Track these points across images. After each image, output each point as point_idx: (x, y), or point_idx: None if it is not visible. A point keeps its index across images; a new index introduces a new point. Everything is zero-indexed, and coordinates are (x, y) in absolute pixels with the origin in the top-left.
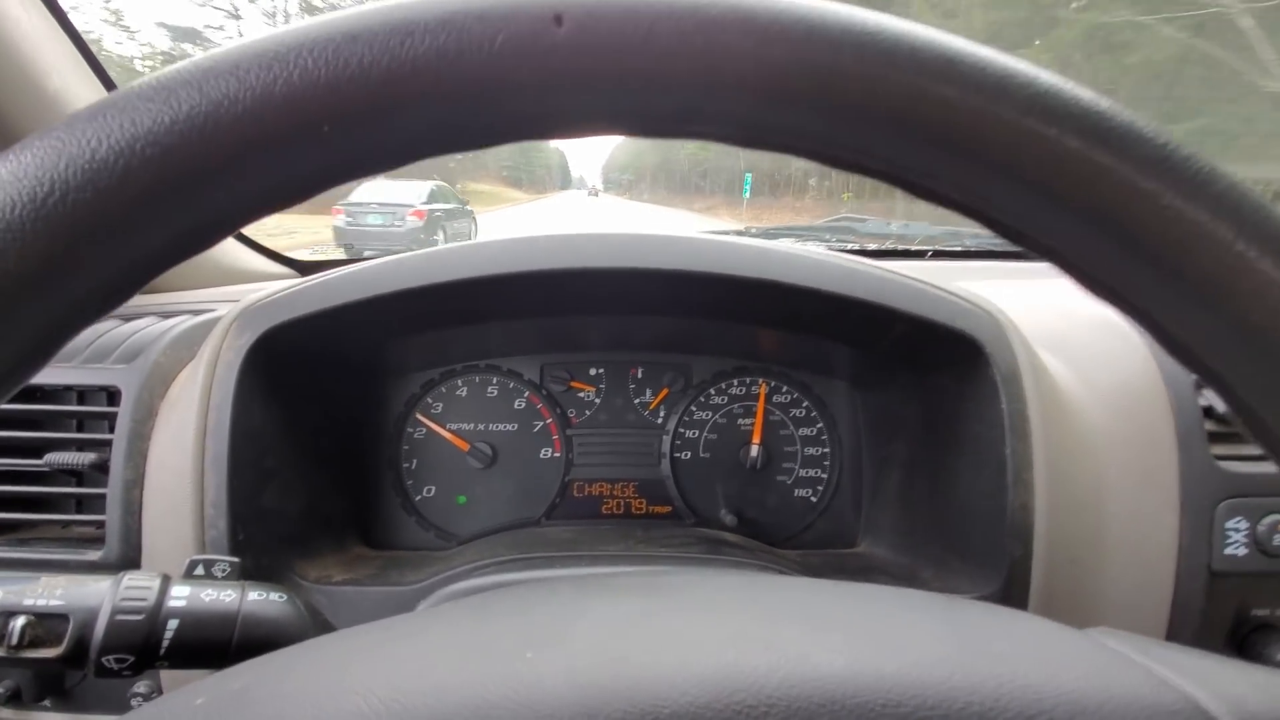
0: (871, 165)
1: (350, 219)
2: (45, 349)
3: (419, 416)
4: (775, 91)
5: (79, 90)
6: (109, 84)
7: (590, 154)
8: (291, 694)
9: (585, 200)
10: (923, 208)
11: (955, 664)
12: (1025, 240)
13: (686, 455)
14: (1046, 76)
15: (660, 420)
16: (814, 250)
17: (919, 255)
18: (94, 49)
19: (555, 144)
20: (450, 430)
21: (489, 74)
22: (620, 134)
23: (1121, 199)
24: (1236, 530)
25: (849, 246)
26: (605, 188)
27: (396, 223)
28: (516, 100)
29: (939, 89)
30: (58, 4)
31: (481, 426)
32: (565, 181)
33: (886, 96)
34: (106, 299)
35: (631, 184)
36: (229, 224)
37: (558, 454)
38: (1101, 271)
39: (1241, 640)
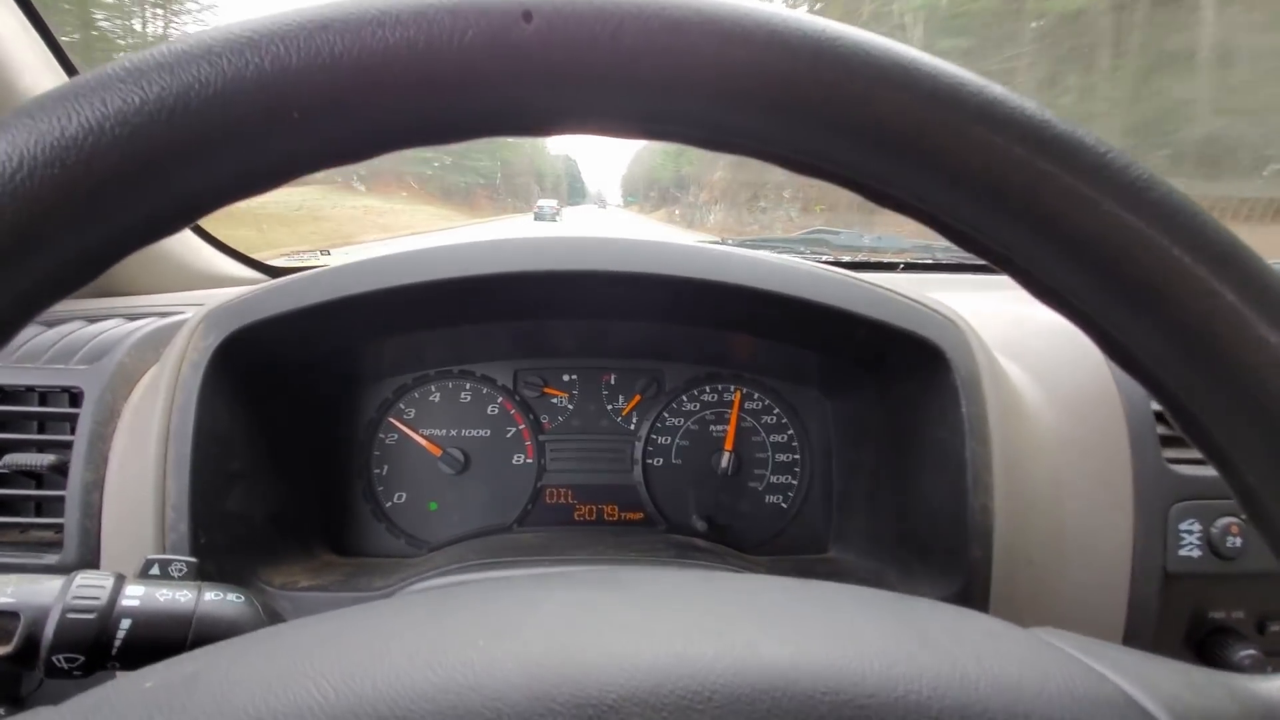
0: (829, 169)
1: (539, 209)
2: (9, 324)
3: (391, 421)
4: (736, 93)
5: (49, 87)
6: None
7: (607, 168)
8: (242, 679)
9: (593, 215)
10: (894, 221)
11: (896, 655)
12: (975, 245)
13: (659, 461)
14: (995, 87)
15: (633, 426)
16: (781, 258)
17: (891, 268)
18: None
19: (564, 153)
20: (423, 436)
21: (457, 67)
22: (585, 133)
23: (1063, 205)
24: (1190, 533)
25: (823, 258)
26: (626, 202)
27: (552, 210)
28: (484, 95)
29: (893, 95)
30: (31, 4)
31: (454, 432)
32: (578, 196)
33: (842, 101)
34: (71, 277)
35: (665, 200)
36: (196, 209)
37: (530, 460)
38: (1046, 276)
39: (1199, 643)
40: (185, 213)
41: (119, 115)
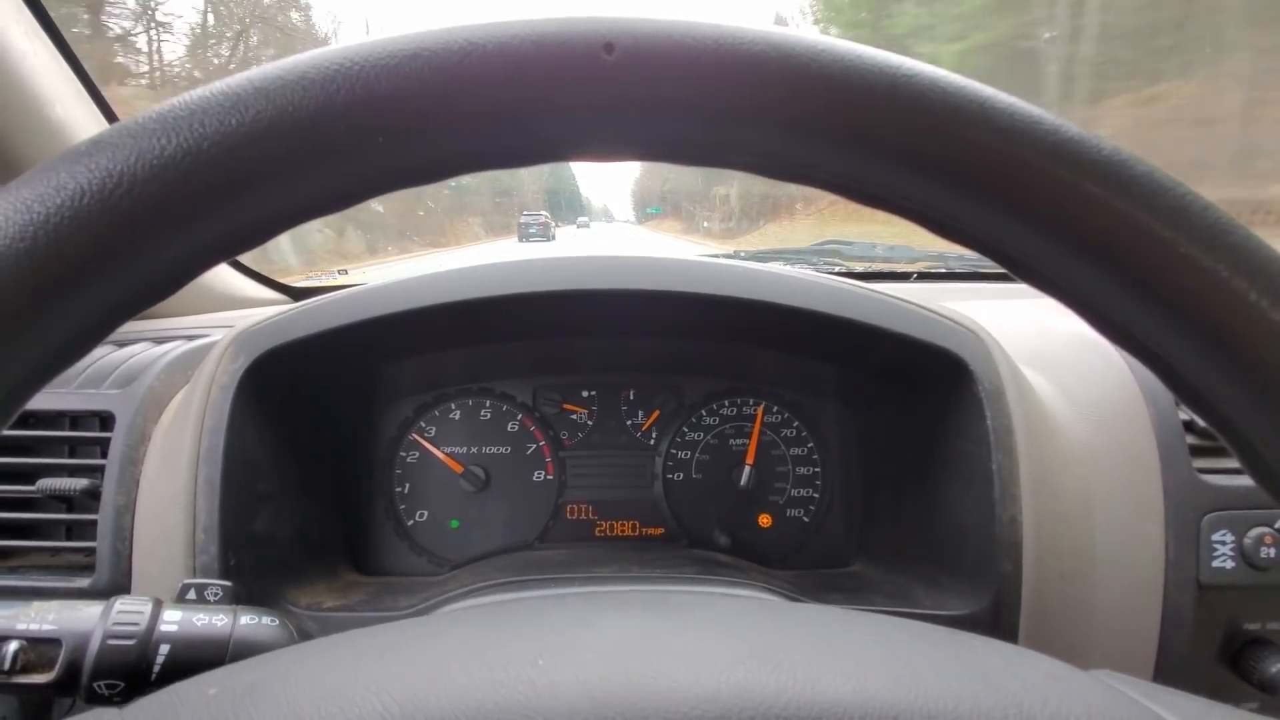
0: (899, 203)
1: (523, 226)
2: (104, 328)
3: (413, 439)
4: (810, 126)
5: (81, 120)
6: (109, 114)
7: (614, 183)
8: (305, 690)
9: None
10: (906, 231)
11: (962, 695)
12: (1043, 283)
13: (679, 476)
14: (1070, 126)
15: (653, 442)
16: (800, 271)
17: (904, 277)
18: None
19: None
20: (444, 453)
21: (540, 96)
22: (659, 160)
23: (1140, 246)
24: (1223, 543)
25: (836, 269)
26: (643, 217)
27: (540, 225)
28: (564, 122)
29: (968, 132)
30: (62, 36)
31: (474, 450)
32: (575, 213)
33: (918, 137)
34: (160, 288)
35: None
36: (280, 224)
37: (551, 476)
38: (1115, 314)
39: (1234, 655)
40: (268, 227)
41: (216, 136)
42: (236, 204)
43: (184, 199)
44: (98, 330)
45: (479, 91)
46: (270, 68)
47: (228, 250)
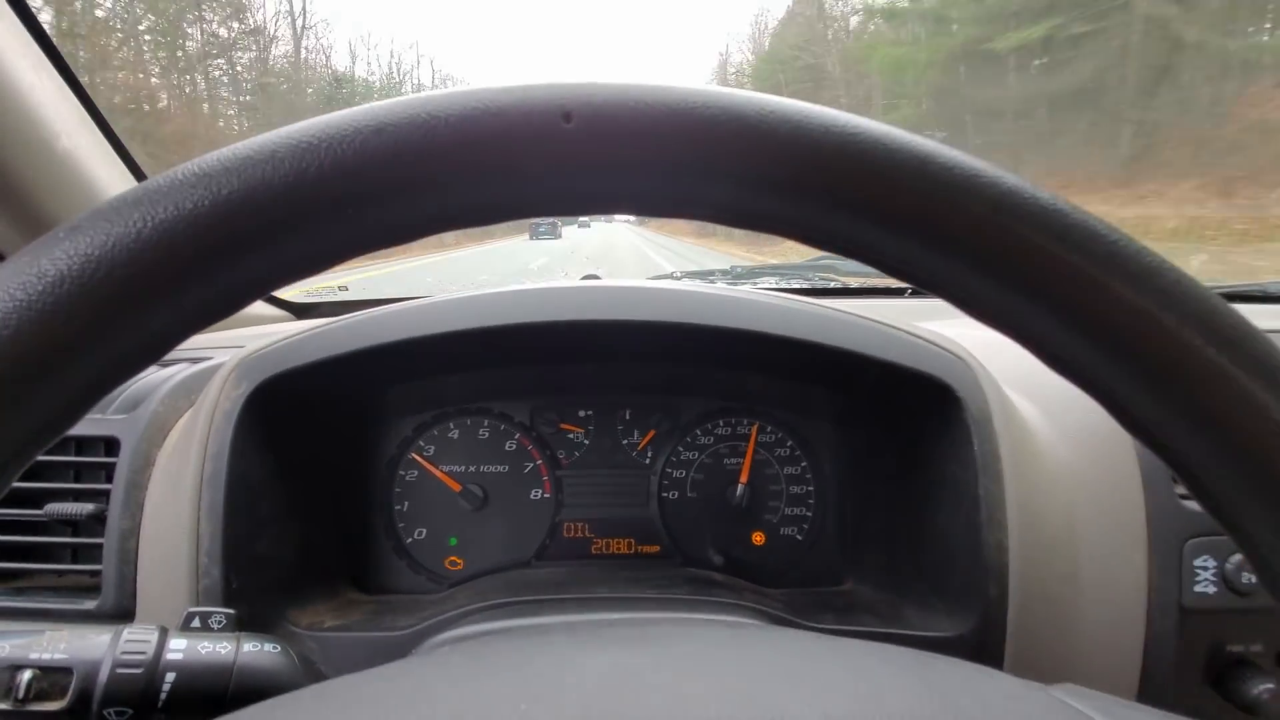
0: (852, 249)
1: (535, 226)
2: (90, 400)
3: (412, 458)
4: (762, 183)
5: (87, 150)
6: (116, 143)
7: None
8: None
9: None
10: None
11: (920, 715)
12: (997, 324)
13: (674, 495)
14: (1009, 177)
15: (648, 461)
16: (787, 298)
17: (899, 293)
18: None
19: None
20: (442, 472)
21: (502, 162)
22: (619, 214)
23: (1079, 289)
24: (1205, 568)
25: (831, 284)
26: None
27: (549, 225)
28: (527, 185)
29: (912, 185)
30: (69, 68)
31: (472, 468)
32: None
33: (865, 191)
34: (141, 360)
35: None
36: (258, 291)
37: (548, 495)
38: (1065, 353)
39: (1217, 676)
40: (242, 298)
41: (191, 216)
42: (212, 278)
43: (159, 277)
44: (85, 403)
45: (440, 162)
46: (240, 146)
47: (209, 318)
